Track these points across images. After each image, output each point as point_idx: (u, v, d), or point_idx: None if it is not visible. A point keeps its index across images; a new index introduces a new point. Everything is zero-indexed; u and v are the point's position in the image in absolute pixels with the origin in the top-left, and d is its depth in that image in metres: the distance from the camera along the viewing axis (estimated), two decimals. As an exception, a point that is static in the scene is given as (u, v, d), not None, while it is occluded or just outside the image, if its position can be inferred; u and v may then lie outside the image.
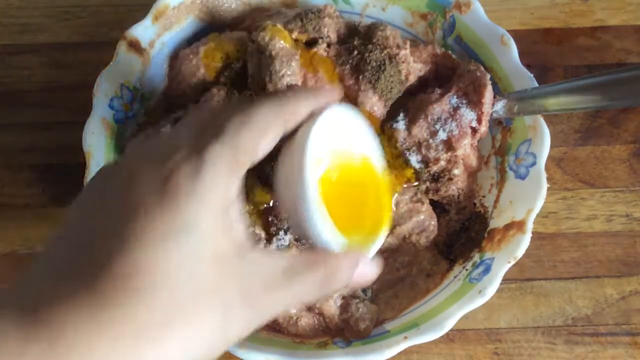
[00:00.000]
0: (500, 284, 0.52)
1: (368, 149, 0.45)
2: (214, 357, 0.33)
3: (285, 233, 0.54)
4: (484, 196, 0.59)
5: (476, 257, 0.56)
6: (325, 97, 0.41)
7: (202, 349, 0.32)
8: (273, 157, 0.53)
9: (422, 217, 0.56)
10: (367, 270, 0.40)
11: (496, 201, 0.58)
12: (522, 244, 0.52)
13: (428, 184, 0.58)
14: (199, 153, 0.33)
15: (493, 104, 0.56)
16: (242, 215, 0.36)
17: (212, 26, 0.62)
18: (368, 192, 0.45)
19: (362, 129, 0.45)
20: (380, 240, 0.46)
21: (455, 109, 0.56)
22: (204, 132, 0.35)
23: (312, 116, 0.39)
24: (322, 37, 0.58)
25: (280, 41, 0.55)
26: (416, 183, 0.58)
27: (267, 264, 0.35)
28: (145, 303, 0.30)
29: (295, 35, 0.57)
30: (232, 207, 0.35)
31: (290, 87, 0.44)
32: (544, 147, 0.55)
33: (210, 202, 0.33)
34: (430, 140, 0.56)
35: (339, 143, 0.42)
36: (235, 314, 0.33)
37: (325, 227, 0.39)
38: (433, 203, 0.59)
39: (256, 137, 0.35)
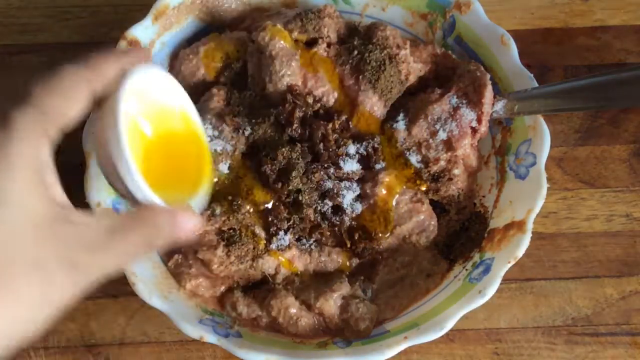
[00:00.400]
0: (500, 284, 0.52)
1: (185, 107, 0.47)
2: (43, 321, 0.34)
3: (285, 233, 0.54)
4: (484, 196, 0.59)
5: (476, 257, 0.56)
6: (133, 56, 0.41)
7: (24, 316, 0.32)
8: (270, 155, 0.53)
9: (422, 217, 0.56)
10: (188, 223, 0.41)
11: (496, 201, 0.58)
12: (522, 244, 0.52)
13: (428, 183, 0.58)
14: (5, 121, 0.33)
15: (493, 104, 0.56)
16: (57, 178, 0.36)
17: (212, 26, 0.62)
18: (188, 150, 0.47)
19: (176, 88, 0.46)
20: (202, 194, 0.48)
21: (455, 109, 0.56)
22: (10, 99, 0.35)
23: (122, 75, 0.40)
24: (322, 37, 0.58)
25: (280, 41, 0.55)
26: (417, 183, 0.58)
27: (88, 224, 0.35)
28: None
29: (295, 35, 0.57)
30: (47, 171, 0.35)
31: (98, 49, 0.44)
32: (544, 147, 0.55)
33: (21, 170, 0.33)
34: (430, 140, 0.56)
35: (153, 102, 0.43)
36: (56, 278, 0.33)
37: (143, 185, 0.40)
38: (433, 203, 0.59)
39: (62, 99, 0.36)
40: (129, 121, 0.39)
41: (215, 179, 0.54)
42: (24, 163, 0.33)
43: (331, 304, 0.54)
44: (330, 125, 0.55)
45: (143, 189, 0.40)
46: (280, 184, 0.53)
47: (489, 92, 0.55)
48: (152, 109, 0.43)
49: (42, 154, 0.34)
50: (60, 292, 0.34)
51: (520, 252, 0.52)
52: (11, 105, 0.34)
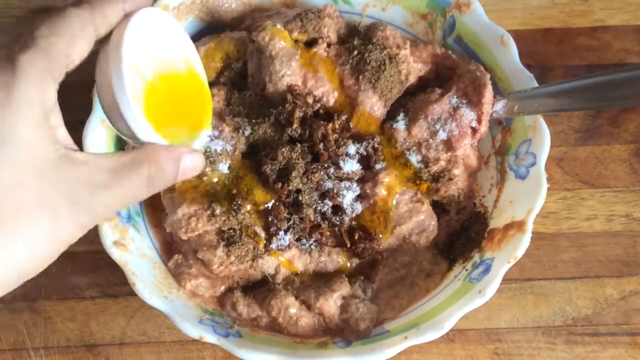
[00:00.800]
0: (500, 284, 0.52)
1: (187, 51, 0.47)
2: (48, 259, 0.35)
3: (285, 233, 0.54)
4: (484, 196, 0.59)
5: (476, 257, 0.56)
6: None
7: (30, 255, 0.33)
8: (270, 155, 0.53)
9: (422, 217, 0.56)
10: (191, 161, 0.42)
11: (496, 201, 0.58)
12: (522, 244, 0.52)
13: (428, 183, 0.58)
14: (11, 63, 0.34)
15: (493, 104, 0.56)
16: (62, 119, 0.37)
17: (212, 26, 0.62)
18: (190, 91, 0.48)
19: (179, 32, 0.47)
20: (204, 135, 0.49)
21: (455, 109, 0.56)
22: (16, 42, 0.35)
23: (126, 18, 0.40)
24: (322, 37, 0.58)
25: (280, 41, 0.55)
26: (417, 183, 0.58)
27: (93, 164, 0.36)
28: None
29: (295, 35, 0.57)
30: (52, 113, 0.36)
31: None
32: (544, 147, 0.55)
33: (27, 111, 0.33)
34: (430, 140, 0.56)
35: (156, 45, 0.43)
36: (63, 218, 0.34)
37: (145, 124, 0.40)
38: (433, 203, 0.59)
39: (67, 42, 0.36)
40: (131, 63, 0.40)
41: (215, 179, 0.54)
42: (29, 103, 0.33)
43: (331, 304, 0.54)
44: (330, 125, 0.55)
45: (145, 129, 0.40)
46: (280, 184, 0.53)
47: (489, 92, 0.55)
48: (155, 51, 0.43)
49: (48, 95, 0.35)
50: (65, 231, 0.35)
51: (520, 252, 0.52)
52: (17, 47, 0.34)
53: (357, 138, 0.56)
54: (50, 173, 0.34)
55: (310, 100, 0.55)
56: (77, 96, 0.58)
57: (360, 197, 0.56)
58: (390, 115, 0.58)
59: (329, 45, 0.58)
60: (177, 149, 0.42)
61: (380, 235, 0.56)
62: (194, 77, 0.48)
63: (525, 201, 0.54)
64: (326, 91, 0.57)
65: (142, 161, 0.39)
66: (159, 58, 0.44)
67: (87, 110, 0.54)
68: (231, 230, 0.53)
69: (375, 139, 0.56)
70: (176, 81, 0.46)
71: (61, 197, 0.34)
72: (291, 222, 0.54)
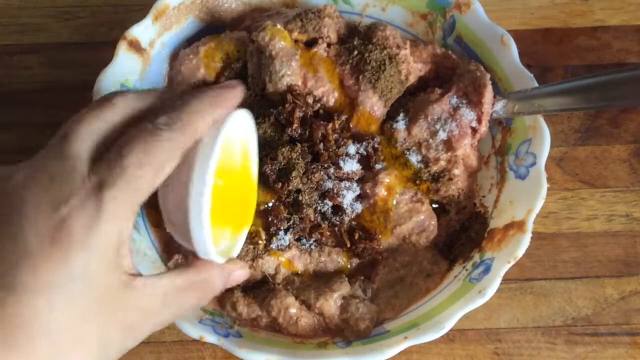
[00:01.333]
0: (500, 284, 0.52)
1: (247, 142, 0.46)
2: None
3: (285, 233, 0.54)
4: (484, 196, 0.59)
5: (476, 257, 0.56)
6: (227, 104, 0.40)
7: None
8: (270, 155, 0.53)
9: (422, 217, 0.56)
10: (239, 277, 0.45)
11: (496, 201, 0.58)
12: (522, 244, 0.52)
13: (428, 183, 0.58)
14: (97, 198, 0.33)
15: (493, 104, 0.56)
16: (129, 248, 0.35)
17: (212, 26, 0.62)
18: (241, 188, 0.46)
19: (248, 124, 0.45)
20: (244, 235, 0.48)
21: (455, 109, 0.56)
22: (101, 161, 0.34)
23: (213, 135, 0.38)
24: (322, 37, 0.58)
25: (280, 41, 0.55)
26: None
27: (150, 290, 0.36)
28: (25, 354, 0.31)
29: (295, 35, 0.57)
30: (124, 244, 0.35)
31: (191, 96, 0.39)
32: (544, 147, 0.55)
33: (103, 249, 0.33)
34: (430, 140, 0.57)
35: (229, 151, 0.42)
36: (113, 345, 0.35)
37: (211, 248, 0.39)
38: (433, 203, 0.59)
39: (155, 171, 0.35)
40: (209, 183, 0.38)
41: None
42: (107, 244, 0.33)
43: (331, 304, 0.54)
44: (330, 125, 0.55)
45: (209, 252, 0.40)
46: (280, 184, 0.53)
47: (489, 92, 0.55)
48: (225, 151, 0.41)
49: (126, 233, 0.35)
50: (115, 351, 0.36)
51: (520, 252, 0.52)
52: (105, 179, 0.33)
53: (357, 138, 0.56)
54: (110, 302, 0.34)
55: (310, 100, 0.55)
56: (77, 96, 0.59)
57: (360, 197, 0.56)
58: (390, 115, 0.58)
59: (329, 45, 0.58)
60: (228, 267, 0.43)
61: (380, 235, 0.56)
62: (247, 171, 0.46)
63: (525, 201, 0.54)
64: (326, 91, 0.57)
65: (196, 285, 0.39)
66: (225, 155, 0.42)
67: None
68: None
69: (375, 139, 0.56)
70: (231, 176, 0.44)
71: (117, 326, 0.35)
72: (291, 222, 0.54)
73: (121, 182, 0.33)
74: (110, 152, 0.34)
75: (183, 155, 0.37)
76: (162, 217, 0.57)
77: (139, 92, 0.39)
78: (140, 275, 0.36)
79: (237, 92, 0.41)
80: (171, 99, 0.38)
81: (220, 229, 0.44)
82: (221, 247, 0.44)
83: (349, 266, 0.58)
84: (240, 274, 0.45)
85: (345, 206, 0.55)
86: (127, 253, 0.35)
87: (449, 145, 0.56)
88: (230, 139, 0.42)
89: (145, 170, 0.34)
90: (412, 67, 0.58)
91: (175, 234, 0.41)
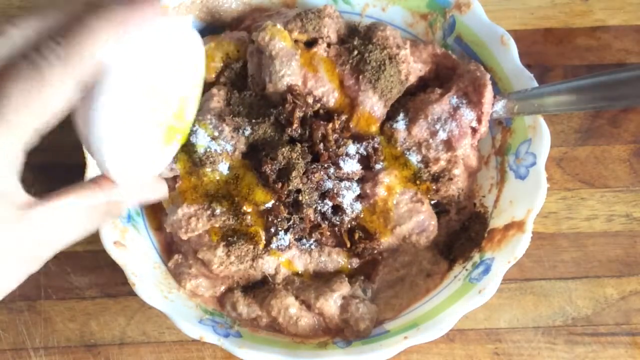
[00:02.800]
0: (500, 284, 0.52)
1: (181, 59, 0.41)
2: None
3: (285, 233, 0.54)
4: (484, 196, 0.59)
5: (476, 257, 0.56)
6: (135, 20, 0.35)
7: None
8: (270, 155, 0.53)
9: (422, 217, 0.56)
10: (154, 192, 0.43)
11: (496, 201, 0.58)
12: (522, 244, 0.52)
13: (428, 183, 0.58)
14: None
15: (493, 104, 0.56)
16: (18, 182, 0.34)
17: (212, 26, 0.62)
18: (170, 108, 0.43)
19: (182, 45, 0.40)
20: (171, 152, 0.45)
21: (455, 109, 0.56)
22: None
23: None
24: (322, 37, 0.58)
25: (280, 41, 0.55)
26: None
27: (48, 219, 0.35)
28: None
29: (295, 35, 0.57)
30: (8, 180, 0.34)
31: (90, 13, 0.35)
32: (544, 147, 0.55)
33: None
34: (430, 140, 0.56)
35: (150, 65, 0.38)
36: (12, 275, 0.35)
37: (116, 156, 0.38)
38: (433, 203, 0.59)
39: (40, 115, 0.33)
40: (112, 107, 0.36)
41: (215, 179, 0.54)
42: None
43: (331, 304, 0.54)
44: (330, 125, 0.55)
45: (114, 173, 0.39)
46: (280, 184, 0.53)
47: (489, 92, 0.55)
48: (148, 64, 0.38)
49: (10, 168, 0.34)
50: (15, 279, 0.36)
51: (520, 252, 0.52)
52: None
53: (357, 138, 0.56)
54: (6, 238, 0.34)
55: (310, 100, 0.55)
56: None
57: (360, 197, 0.56)
58: (390, 115, 0.58)
59: (329, 45, 0.58)
60: (139, 186, 0.42)
61: (380, 235, 0.56)
62: (175, 87, 0.43)
63: (525, 201, 0.54)
64: (326, 91, 0.57)
65: (101, 206, 0.39)
66: (152, 74, 0.39)
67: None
68: (231, 230, 0.53)
69: (375, 139, 0.56)
70: (152, 95, 0.41)
71: (14, 259, 0.35)
72: (291, 222, 0.54)
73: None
74: None
75: (82, 83, 0.34)
76: (161, 220, 0.57)
77: (37, 13, 0.36)
78: (37, 203, 0.35)
79: (150, 7, 0.36)
80: (70, 16, 0.35)
81: (147, 140, 0.42)
82: (147, 160, 0.43)
83: (349, 266, 0.58)
84: (158, 190, 0.43)
85: (345, 206, 0.55)
86: (16, 186, 0.34)
87: (449, 145, 0.56)
88: (150, 53, 0.38)
89: (25, 115, 0.32)
90: (412, 67, 0.58)
91: (84, 141, 0.39)
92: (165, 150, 0.45)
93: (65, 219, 0.37)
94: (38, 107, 0.33)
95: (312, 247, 0.56)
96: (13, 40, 0.34)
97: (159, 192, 0.44)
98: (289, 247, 0.55)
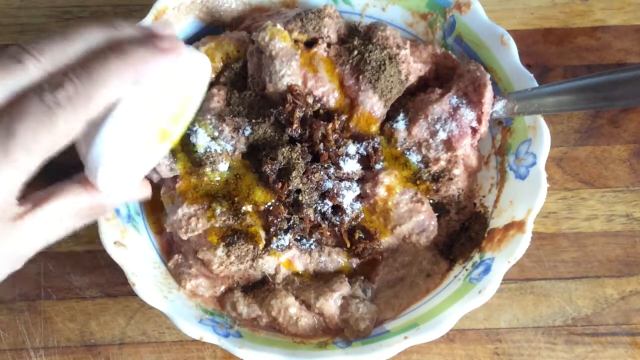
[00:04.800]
0: (500, 284, 0.52)
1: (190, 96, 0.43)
2: None
3: (285, 233, 0.54)
4: (484, 196, 0.59)
5: (476, 257, 0.56)
6: (143, 66, 0.35)
7: None
8: (270, 155, 0.53)
9: (422, 217, 0.56)
10: (139, 191, 0.45)
11: (496, 201, 0.58)
12: (522, 244, 0.52)
13: (428, 183, 0.58)
14: None
15: (493, 104, 0.56)
16: (15, 198, 0.35)
17: (212, 26, 0.62)
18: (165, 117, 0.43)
19: (190, 63, 0.40)
20: (163, 151, 0.46)
21: (455, 109, 0.56)
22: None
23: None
24: (322, 37, 0.58)
25: (280, 41, 0.55)
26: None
27: (36, 227, 0.36)
28: None
29: (295, 35, 0.57)
30: (5, 209, 0.34)
31: (97, 59, 0.34)
32: (544, 147, 0.55)
33: None
34: (430, 140, 0.56)
35: (157, 87, 0.38)
36: None
37: (108, 166, 0.38)
38: (433, 203, 0.59)
39: (45, 154, 0.33)
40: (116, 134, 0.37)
41: (216, 179, 0.54)
42: None
43: (331, 304, 0.54)
44: (330, 125, 0.55)
45: (102, 186, 0.39)
46: (280, 184, 0.53)
47: (489, 92, 0.55)
48: (155, 87, 0.38)
49: (8, 198, 0.34)
50: None
51: (520, 252, 0.52)
52: None
53: (357, 138, 0.56)
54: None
55: (310, 100, 0.55)
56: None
57: (360, 197, 0.56)
58: (390, 115, 0.58)
59: (329, 45, 0.58)
60: (121, 196, 0.43)
61: (380, 235, 0.56)
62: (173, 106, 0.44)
63: (525, 201, 0.54)
64: (326, 91, 0.57)
65: (85, 210, 0.39)
66: (157, 93, 0.39)
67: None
68: (231, 230, 0.53)
69: (375, 139, 0.56)
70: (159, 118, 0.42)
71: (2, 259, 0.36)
72: (291, 222, 0.54)
73: (3, 166, 0.32)
74: (1, 123, 0.32)
75: (90, 121, 0.34)
76: (163, 224, 0.57)
77: (57, 41, 0.34)
78: (27, 212, 0.36)
79: (170, 44, 0.36)
80: (91, 51, 0.35)
81: (141, 145, 0.42)
82: (137, 161, 0.43)
83: (349, 266, 0.58)
84: (141, 193, 0.44)
85: (345, 206, 0.55)
86: (12, 203, 0.35)
87: (449, 145, 0.56)
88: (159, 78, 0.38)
89: (30, 155, 0.33)
90: (412, 67, 0.58)
91: (82, 159, 0.39)
92: (155, 152, 0.46)
93: (50, 222, 0.37)
94: (44, 147, 0.33)
95: (312, 247, 0.56)
96: (29, 71, 0.34)
97: (143, 192, 0.45)
98: (289, 247, 0.55)
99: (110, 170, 0.39)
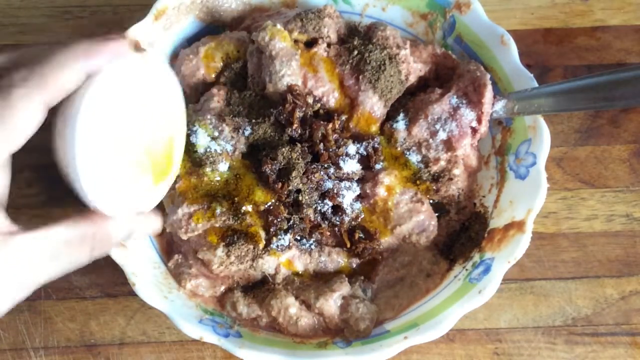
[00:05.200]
0: (500, 284, 0.52)
1: (164, 93, 0.44)
2: None
3: (285, 233, 0.54)
4: (484, 196, 0.59)
5: (476, 257, 0.56)
6: (101, 55, 0.38)
7: None
8: (270, 155, 0.53)
9: (422, 217, 0.56)
10: (149, 226, 0.45)
11: (496, 201, 0.58)
12: (522, 244, 0.52)
13: (428, 183, 0.58)
14: None
15: (493, 104, 0.56)
16: (1, 210, 0.36)
17: (212, 26, 0.62)
18: (159, 143, 0.45)
19: (161, 83, 0.43)
20: (164, 189, 0.47)
21: (455, 109, 0.56)
22: None
23: (89, 80, 0.37)
24: (322, 37, 0.58)
25: (280, 41, 0.55)
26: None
27: (32, 247, 0.36)
28: None
29: (295, 35, 0.57)
30: None
31: (58, 47, 0.37)
32: (544, 147, 0.55)
33: None
34: (430, 140, 0.57)
35: (127, 97, 0.40)
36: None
37: (93, 197, 0.39)
38: (433, 203, 0.59)
39: (9, 135, 0.35)
40: (91, 129, 0.38)
41: (216, 179, 0.54)
42: None
43: (331, 304, 0.54)
44: (330, 125, 0.55)
45: (92, 199, 0.39)
46: (280, 184, 0.53)
47: (489, 92, 0.55)
48: (125, 105, 0.41)
49: None
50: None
51: (520, 252, 0.52)
52: None
53: (357, 138, 0.56)
54: None
55: (310, 100, 0.55)
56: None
57: (360, 197, 0.56)
58: (390, 115, 0.58)
59: (329, 45, 0.58)
60: (132, 219, 0.43)
61: (380, 235, 0.56)
62: (170, 121, 0.46)
63: (525, 201, 0.54)
64: (326, 91, 0.57)
65: (88, 239, 0.39)
66: (131, 110, 0.41)
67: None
68: (231, 230, 0.53)
69: (375, 139, 0.56)
70: (148, 123, 0.44)
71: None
72: (291, 222, 0.54)
73: None
74: None
75: (47, 104, 0.36)
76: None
77: (15, 49, 0.38)
78: (20, 231, 0.36)
79: (117, 42, 0.38)
80: (39, 51, 0.37)
81: (132, 178, 0.43)
82: (134, 197, 0.44)
83: (349, 266, 0.58)
84: (150, 225, 0.44)
85: (345, 206, 0.55)
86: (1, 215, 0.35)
87: (449, 145, 0.56)
88: (126, 87, 0.41)
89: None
90: (412, 67, 0.58)
91: (69, 181, 0.40)
92: (154, 189, 0.46)
93: (49, 250, 0.37)
94: (7, 125, 0.34)
95: (312, 247, 0.56)
96: None
97: (152, 225, 0.45)
98: (289, 247, 0.55)
99: (95, 183, 0.39)
